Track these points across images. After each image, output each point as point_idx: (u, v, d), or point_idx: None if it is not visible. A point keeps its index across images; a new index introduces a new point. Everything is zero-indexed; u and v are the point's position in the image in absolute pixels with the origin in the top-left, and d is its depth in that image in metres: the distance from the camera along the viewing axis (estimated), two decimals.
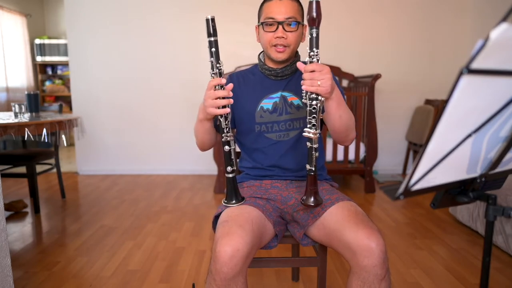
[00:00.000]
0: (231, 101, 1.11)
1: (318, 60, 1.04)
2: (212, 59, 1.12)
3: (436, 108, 3.58)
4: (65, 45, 5.45)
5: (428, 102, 3.92)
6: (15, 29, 5.12)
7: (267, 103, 1.30)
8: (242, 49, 3.89)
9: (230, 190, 1.19)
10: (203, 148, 1.33)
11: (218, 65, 1.12)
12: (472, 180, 0.74)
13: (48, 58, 5.72)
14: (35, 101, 2.79)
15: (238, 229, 1.05)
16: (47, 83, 5.93)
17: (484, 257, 0.75)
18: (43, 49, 5.67)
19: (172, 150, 4.06)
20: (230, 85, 1.12)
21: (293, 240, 1.28)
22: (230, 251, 0.99)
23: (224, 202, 1.20)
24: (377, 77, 3.19)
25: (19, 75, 5.21)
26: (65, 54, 5.45)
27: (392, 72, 3.90)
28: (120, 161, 4.07)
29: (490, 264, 0.75)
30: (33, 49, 5.64)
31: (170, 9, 3.87)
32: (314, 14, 1.01)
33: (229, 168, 1.18)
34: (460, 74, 0.52)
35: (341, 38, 3.90)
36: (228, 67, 3.86)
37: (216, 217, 1.23)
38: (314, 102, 1.04)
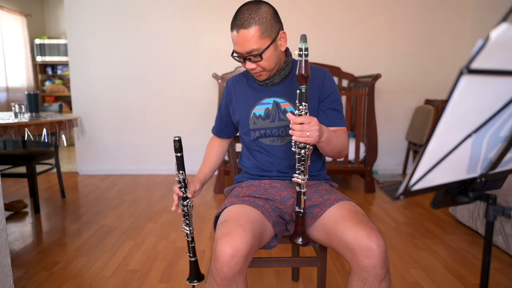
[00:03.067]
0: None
1: (306, 113, 1.07)
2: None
3: (436, 108, 3.58)
4: (65, 45, 5.45)
5: (428, 102, 3.92)
6: (15, 29, 5.12)
7: (259, 109, 1.31)
8: None
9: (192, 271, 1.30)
10: None
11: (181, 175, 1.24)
12: (472, 180, 0.73)
13: (48, 58, 5.72)
14: (35, 101, 2.79)
15: (238, 229, 1.05)
16: (47, 83, 5.93)
17: (484, 257, 0.75)
18: (43, 49, 5.67)
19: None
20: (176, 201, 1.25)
21: None
22: (230, 251, 0.99)
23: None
24: (377, 77, 3.19)
25: (19, 75, 5.21)
26: (65, 54, 5.45)
27: (392, 72, 3.90)
28: (120, 161, 4.07)
29: (490, 264, 0.75)
30: (33, 49, 5.64)
31: (170, 9, 3.87)
32: (304, 72, 1.04)
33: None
34: (460, 74, 0.52)
35: (341, 38, 3.89)
36: (228, 67, 3.87)
37: (217, 217, 1.23)
38: (302, 151, 1.08)
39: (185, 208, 1.23)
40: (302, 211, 1.12)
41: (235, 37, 1.19)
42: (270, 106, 1.30)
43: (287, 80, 1.31)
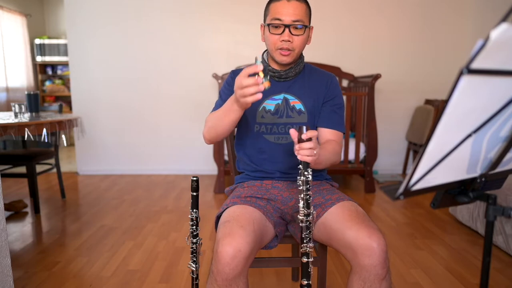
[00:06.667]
0: (259, 95, 0.98)
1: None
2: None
3: (436, 108, 3.58)
4: (65, 45, 5.45)
5: (428, 102, 3.92)
6: (15, 29, 5.11)
7: (269, 104, 1.30)
8: (242, 49, 3.89)
9: None
10: (215, 140, 1.28)
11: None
12: (472, 180, 0.73)
13: (48, 58, 5.72)
14: (35, 101, 2.78)
15: (240, 229, 1.05)
16: (47, 83, 5.93)
17: (484, 257, 0.75)
18: (43, 49, 5.67)
19: (172, 150, 4.06)
20: (260, 66, 0.96)
21: (293, 240, 1.28)
22: (231, 251, 0.99)
23: None
24: (377, 77, 3.19)
25: (19, 75, 5.21)
26: (65, 54, 5.45)
27: (392, 72, 3.90)
28: (120, 161, 4.07)
29: (490, 264, 0.75)
30: (33, 49, 5.64)
31: (170, 9, 3.87)
32: None
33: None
34: (460, 74, 0.52)
35: (341, 38, 3.90)
36: (228, 67, 3.87)
37: (218, 217, 1.23)
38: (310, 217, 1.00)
39: (194, 246, 1.24)
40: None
41: (283, 5, 1.18)
42: (280, 102, 1.30)
43: (298, 77, 1.32)
